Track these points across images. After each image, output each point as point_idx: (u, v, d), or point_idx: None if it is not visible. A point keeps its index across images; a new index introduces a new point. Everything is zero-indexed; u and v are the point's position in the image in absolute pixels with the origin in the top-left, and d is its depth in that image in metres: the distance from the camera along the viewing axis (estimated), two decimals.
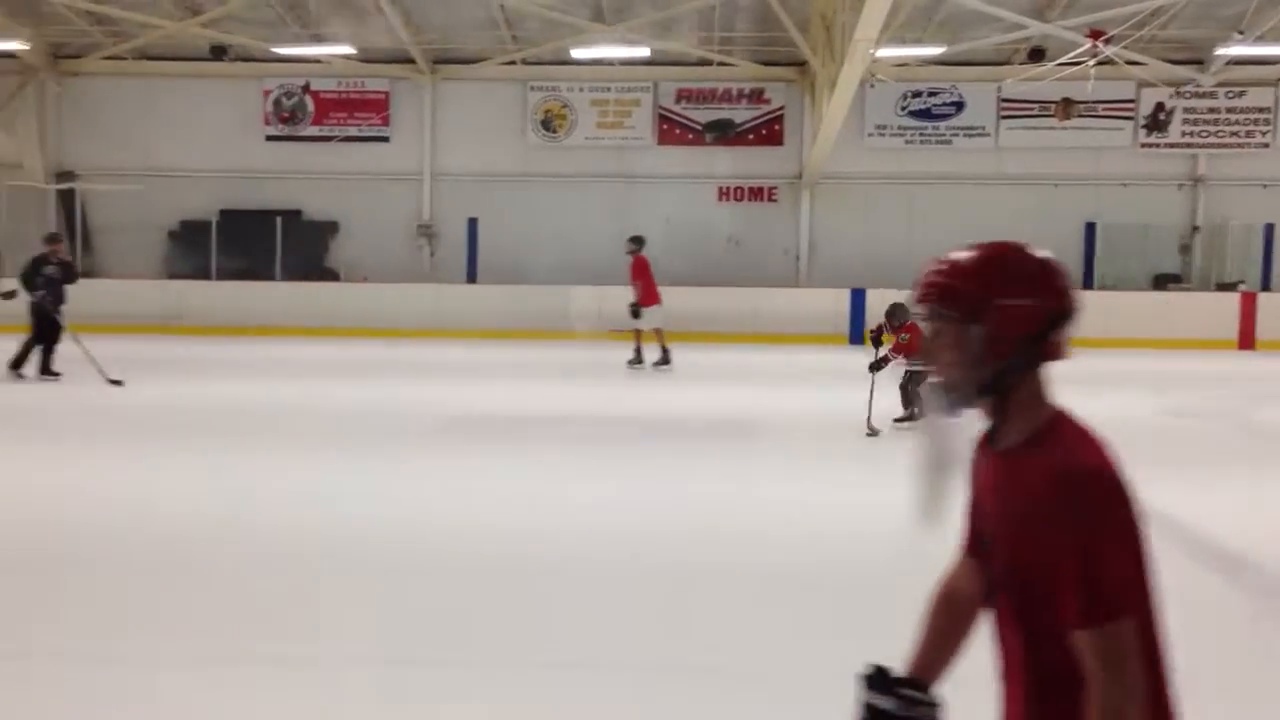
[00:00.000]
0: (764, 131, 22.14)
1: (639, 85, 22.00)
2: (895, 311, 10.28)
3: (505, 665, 4.57)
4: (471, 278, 21.84)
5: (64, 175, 21.85)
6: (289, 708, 4.17)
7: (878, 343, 10.02)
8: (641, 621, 5.12)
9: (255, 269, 21.14)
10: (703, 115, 22.15)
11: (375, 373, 15.01)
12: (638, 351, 15.08)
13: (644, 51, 19.75)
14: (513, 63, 21.74)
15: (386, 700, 4.21)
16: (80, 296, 13.70)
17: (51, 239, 13.97)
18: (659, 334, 15.06)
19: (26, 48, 20.30)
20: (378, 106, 22.26)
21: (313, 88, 22.18)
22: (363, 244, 21.91)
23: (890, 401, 10.05)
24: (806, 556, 6.17)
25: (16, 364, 13.06)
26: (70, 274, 13.40)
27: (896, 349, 10.00)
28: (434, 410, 11.36)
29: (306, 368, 15.27)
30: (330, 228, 22.16)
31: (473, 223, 21.94)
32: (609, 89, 22.07)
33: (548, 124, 22.25)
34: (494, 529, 6.73)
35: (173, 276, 21.46)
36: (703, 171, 22.12)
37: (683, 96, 22.11)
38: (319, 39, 20.28)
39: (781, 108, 22.04)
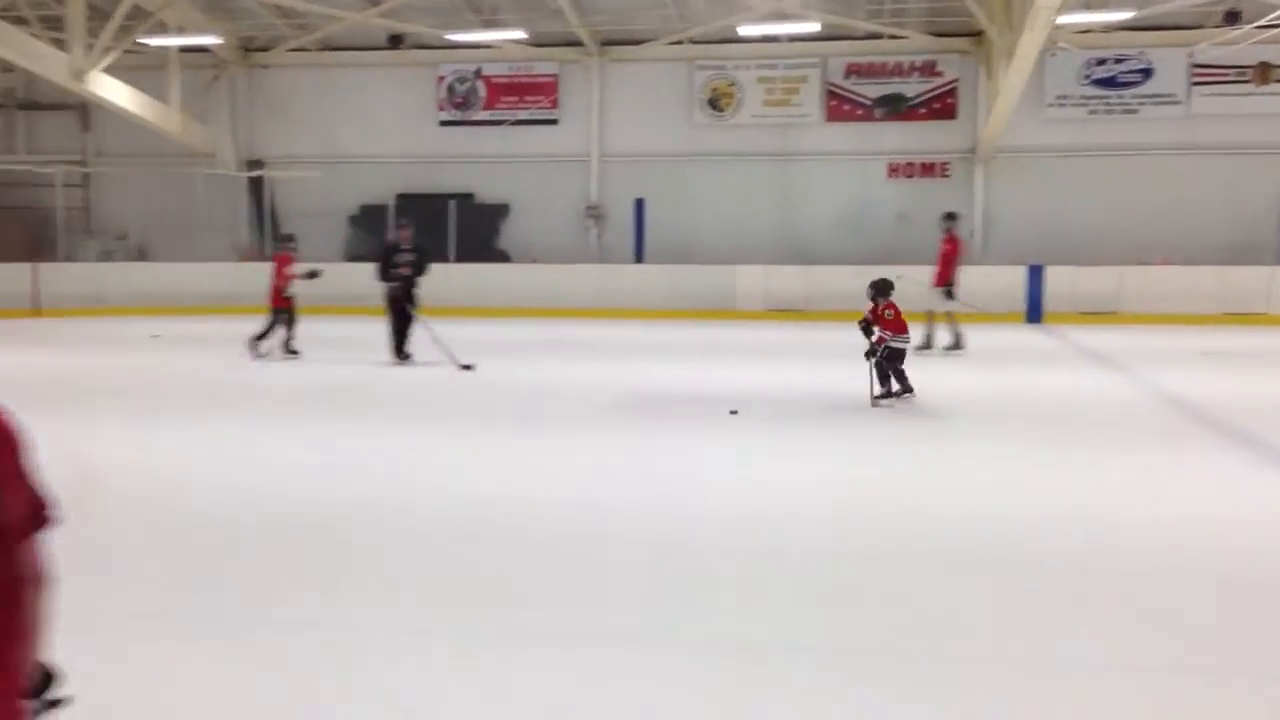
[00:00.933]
0: (936, 105, 21.57)
1: (807, 61, 21.71)
2: (882, 288, 10.40)
3: (729, 650, 4.57)
4: (639, 258, 21.99)
5: (254, 163, 22.92)
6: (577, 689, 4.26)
7: (868, 332, 10.19)
8: (838, 603, 5.04)
9: (432, 251, 21.72)
10: (872, 90, 21.72)
11: (546, 352, 15.27)
12: (957, 336, 14.52)
13: (814, 26, 19.47)
14: (680, 42, 21.73)
15: (585, 683, 4.26)
16: (265, 279, 14.34)
17: (403, 225, 13.86)
18: (949, 316, 14.58)
19: (220, 42, 21.36)
20: (547, 90, 22.59)
21: (484, 73, 22.67)
22: (532, 226, 22.31)
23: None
24: (976, 540, 5.98)
25: (399, 351, 13.19)
26: (423, 261, 13.27)
27: (884, 326, 10.12)
28: (607, 387, 11.47)
29: (481, 347, 15.63)
30: (501, 210, 22.63)
31: (639, 203, 22.07)
32: (776, 66, 21.85)
33: (714, 103, 22.18)
34: (698, 513, 6.73)
35: (352, 259, 22.26)
36: (871, 148, 21.70)
37: (852, 71, 21.72)
38: (491, 24, 20.68)
39: (955, 80, 21.42)
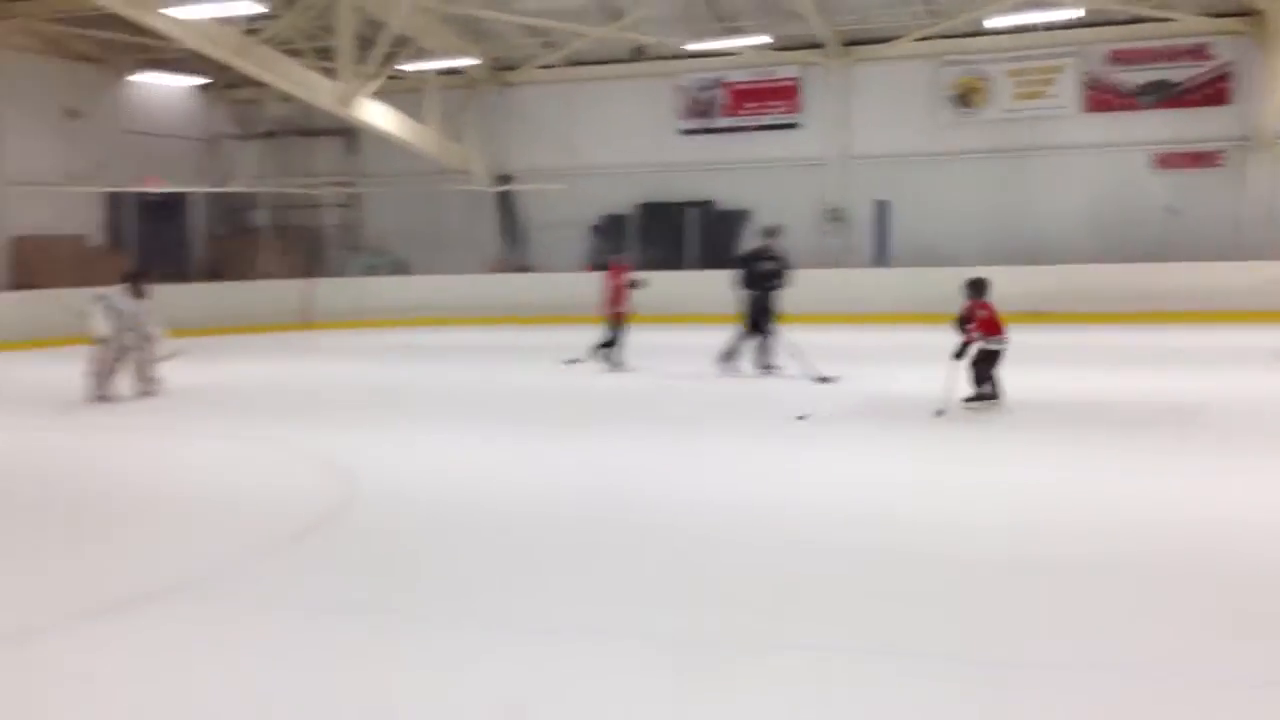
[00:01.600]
0: (1207, 90, 20.03)
1: (1063, 50, 20.63)
2: (971, 287, 10.00)
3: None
4: (882, 260, 21.46)
5: (503, 178, 23.81)
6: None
7: (963, 329, 9.81)
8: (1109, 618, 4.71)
9: (671, 259, 21.94)
10: (1136, 77, 20.40)
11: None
12: None
13: (1077, 12, 18.45)
14: (926, 39, 21.10)
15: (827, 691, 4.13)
16: (518, 288, 14.81)
17: (769, 233, 13.32)
18: None
19: (473, 64, 22.32)
20: (788, 94, 22.41)
21: (725, 80, 22.71)
22: None
23: None
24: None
25: (728, 356, 12.91)
26: (783, 269, 12.61)
27: (976, 326, 9.74)
28: (853, 392, 11.21)
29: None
30: (741, 216, 22.60)
31: (882, 205, 21.54)
32: (1028, 57, 20.87)
33: (961, 99, 21.41)
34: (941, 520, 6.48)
35: (595, 268, 22.76)
36: (1133, 138, 20.38)
37: (1114, 59, 20.48)
38: (732, 32, 20.69)
39: (1228, 63, 19.84)
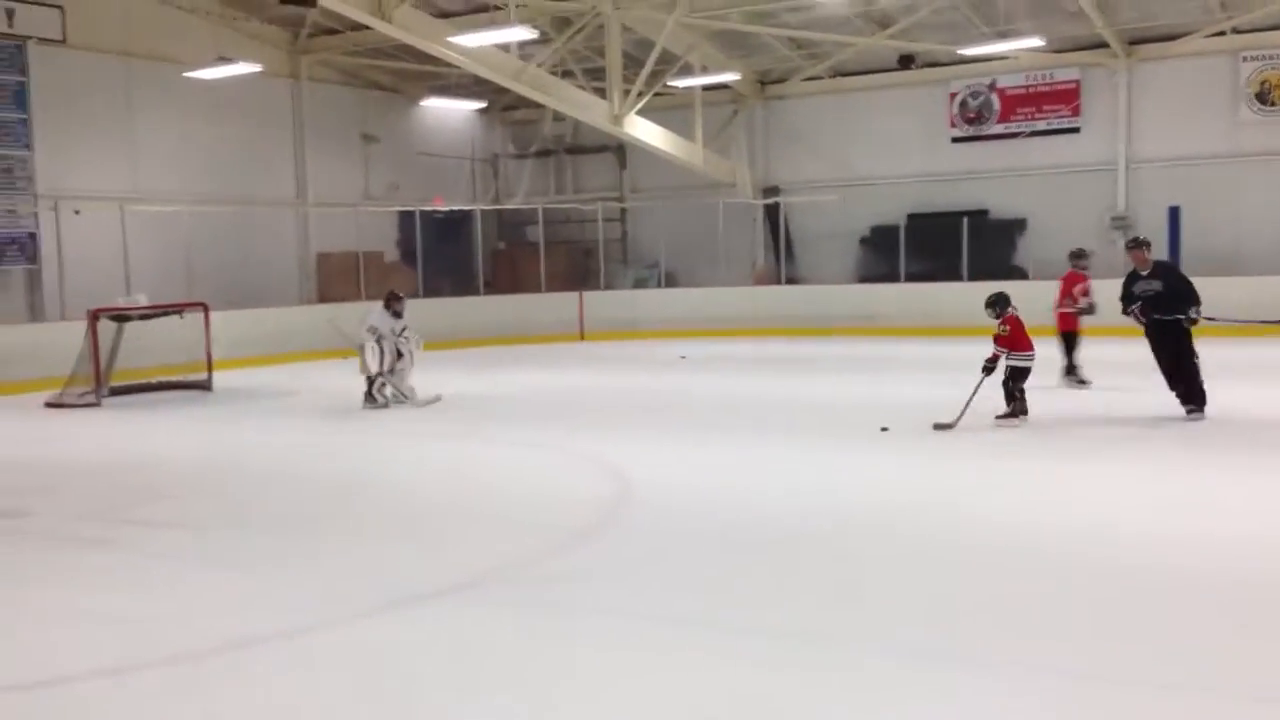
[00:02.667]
0: None
1: None
2: (994, 303, 10.11)
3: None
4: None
5: (770, 190, 23.85)
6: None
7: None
8: None
9: (941, 270, 21.36)
10: None
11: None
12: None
13: None
14: (1221, 33, 19.70)
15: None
16: (785, 300, 14.79)
17: (1136, 244, 11.24)
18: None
19: (738, 78, 22.51)
20: (1067, 97, 21.42)
21: (999, 85, 21.95)
22: (1051, 240, 21.12)
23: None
24: None
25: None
26: (1175, 288, 10.52)
27: (998, 341, 9.92)
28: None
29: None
30: (1017, 225, 21.75)
31: (1174, 211, 20.23)
32: None
33: (1263, 96, 19.86)
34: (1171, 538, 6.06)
35: (863, 280, 22.45)
36: None
37: None
38: (1005, 35, 19.98)
39: None
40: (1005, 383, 10.04)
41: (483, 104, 24.82)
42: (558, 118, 24.56)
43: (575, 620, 5.28)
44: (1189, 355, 10.12)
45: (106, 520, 7.78)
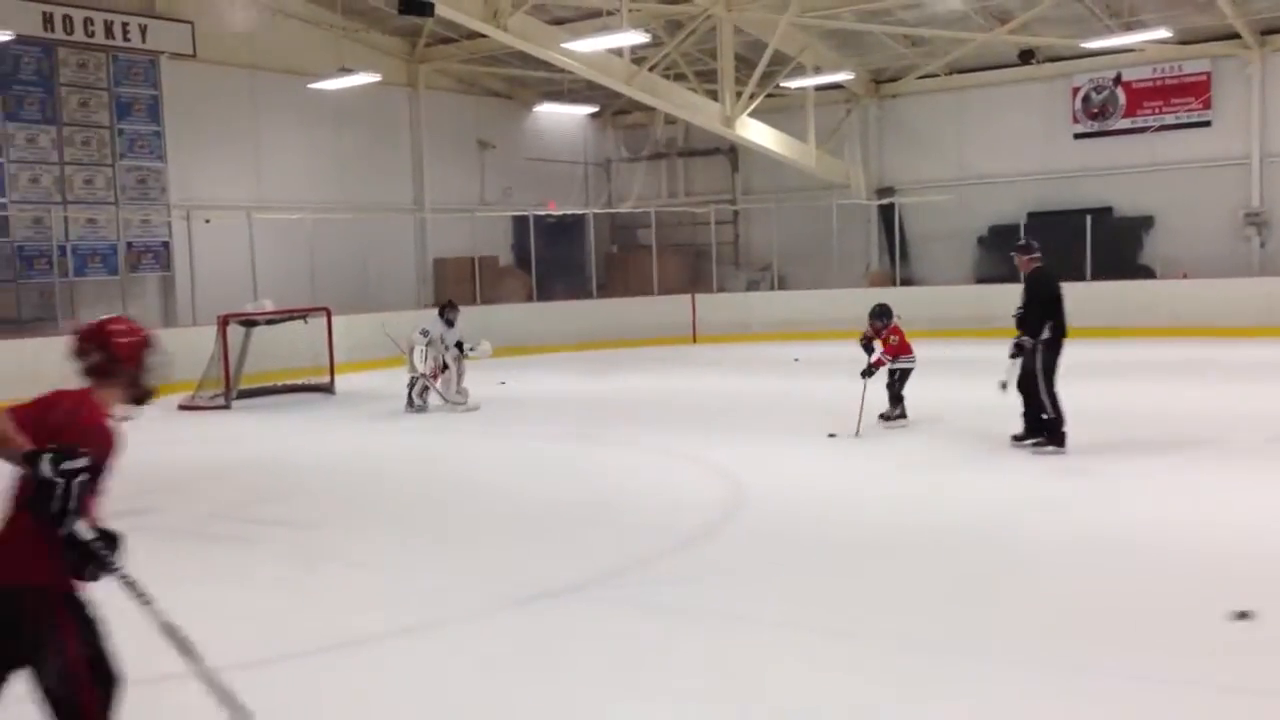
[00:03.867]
0: None
1: None
2: (879, 314, 10.60)
3: None
4: None
5: (884, 191, 23.52)
6: None
7: (869, 349, 10.51)
8: None
9: (1064, 269, 20.74)
10: None
11: (1197, 375, 13.94)
12: None
13: None
14: None
15: None
16: (900, 302, 14.46)
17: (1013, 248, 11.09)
18: None
19: (852, 77, 22.24)
20: (1197, 90, 20.66)
21: (1124, 78, 21.28)
22: (1180, 238, 20.47)
23: None
24: None
25: None
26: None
27: (887, 350, 10.47)
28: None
29: (1123, 369, 14.68)
30: (1143, 223, 21.05)
31: None
32: None
33: None
34: None
35: (981, 281, 21.96)
36: None
37: None
38: (1131, 27, 19.36)
39: None
40: (891, 385, 10.63)
41: (595, 108, 25.00)
42: (669, 121, 24.60)
43: (686, 623, 5.28)
44: (1031, 378, 9.10)
45: (235, 518, 8.05)
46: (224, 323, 14.46)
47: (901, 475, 8.55)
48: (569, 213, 23.69)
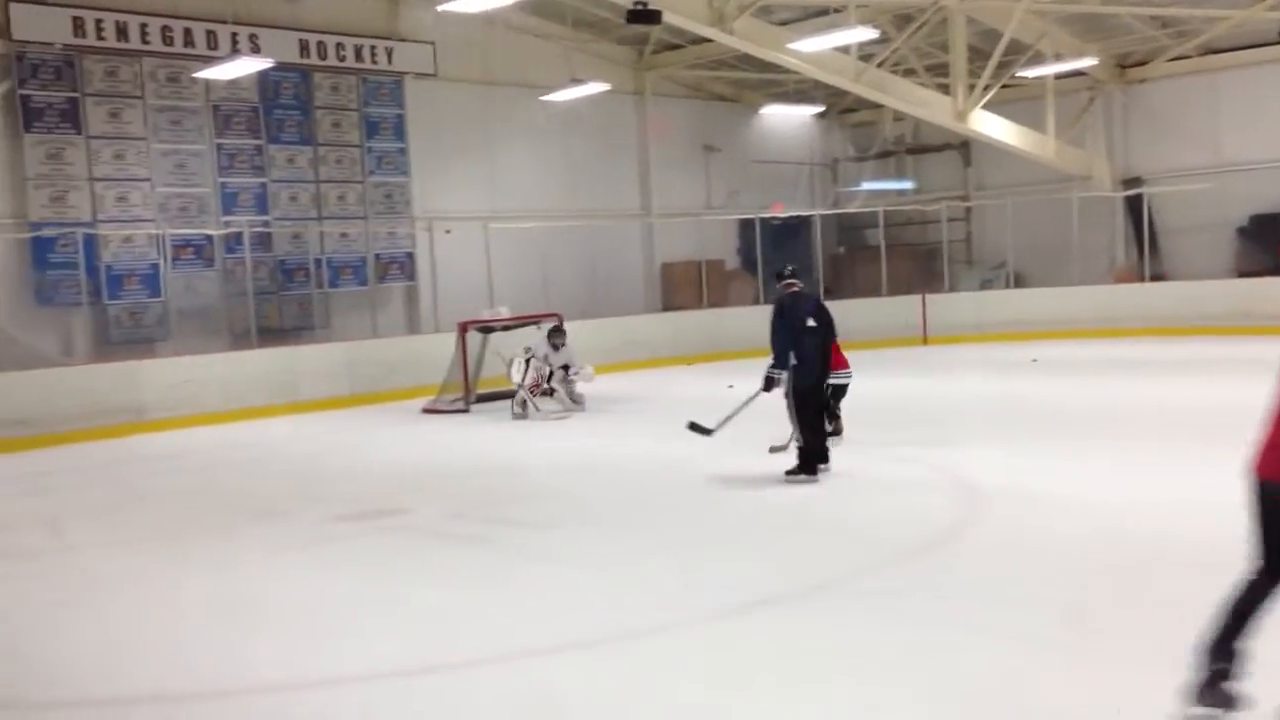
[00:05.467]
0: None
1: None
2: None
3: None
4: None
5: (1130, 181, 22.25)
6: None
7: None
8: None
9: None
10: None
11: None
12: None
13: None
14: None
15: None
16: (1150, 299, 13.75)
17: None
18: None
19: (1094, 63, 21.15)
20: None
21: None
22: None
23: None
24: None
25: None
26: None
27: None
28: None
29: None
30: None
31: None
32: None
33: None
34: None
35: (1241, 274, 20.46)
36: None
37: None
38: None
39: None
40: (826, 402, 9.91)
41: (821, 108, 24.73)
42: (898, 117, 24.07)
43: (918, 632, 5.14)
44: (792, 410, 8.84)
45: (475, 519, 8.38)
46: (463, 329, 15.09)
47: (1162, 483, 8.04)
48: (795, 214, 23.52)
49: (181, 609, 6.37)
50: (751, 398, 9.30)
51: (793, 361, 8.78)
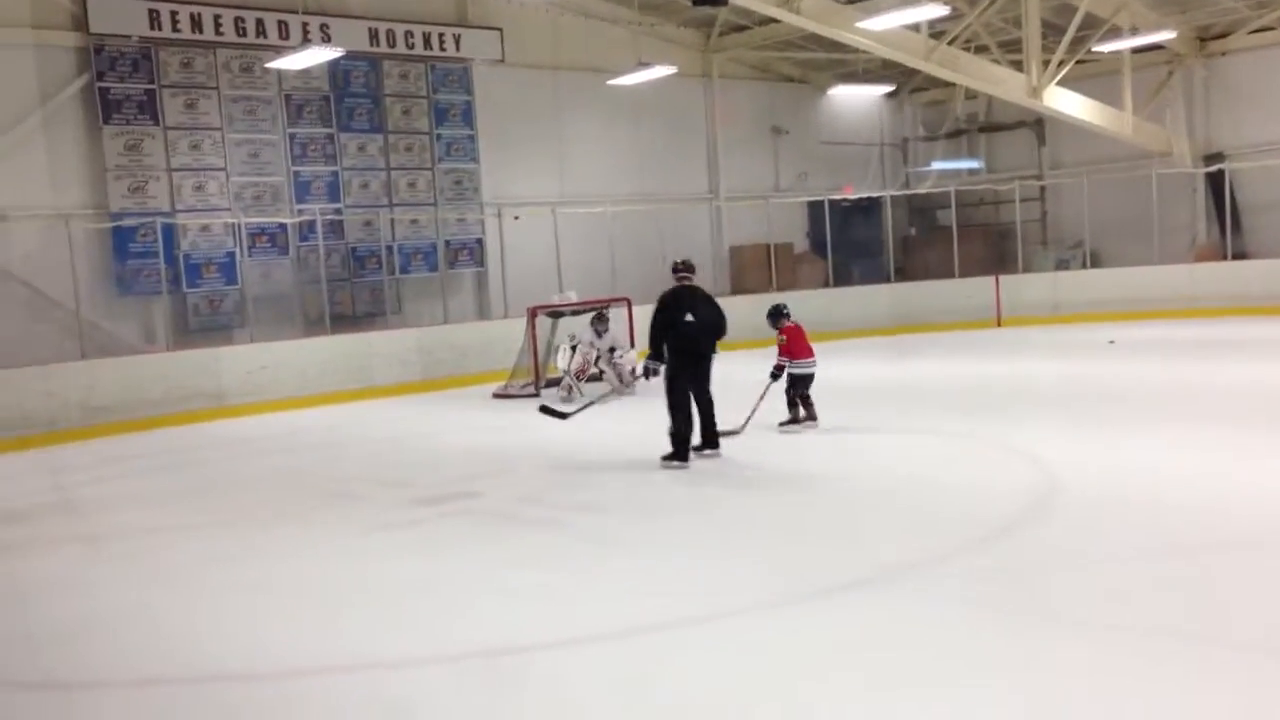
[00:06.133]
0: None
1: None
2: (770, 314, 10.57)
3: None
4: None
5: (1212, 158, 21.67)
6: None
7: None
8: None
9: None
10: None
11: None
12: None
13: None
14: None
15: None
16: (1234, 277, 13.40)
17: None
18: None
19: (1174, 36, 20.59)
20: None
21: None
22: None
23: None
24: None
25: None
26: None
27: (780, 351, 10.31)
28: None
29: None
30: None
31: None
32: None
33: None
34: None
35: None
36: None
37: None
38: None
39: None
40: (787, 390, 10.38)
41: (891, 87, 24.40)
42: (970, 96, 23.70)
43: (998, 618, 5.07)
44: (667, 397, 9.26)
45: (546, 503, 8.41)
46: (533, 314, 15.15)
47: (1241, 467, 7.84)
48: (865, 195, 23.27)
49: (266, 590, 6.48)
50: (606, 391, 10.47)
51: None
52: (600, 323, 14.54)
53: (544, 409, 10.72)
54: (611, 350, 14.36)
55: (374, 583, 6.46)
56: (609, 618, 5.49)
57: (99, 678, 5.21)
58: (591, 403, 11.15)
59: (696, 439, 9.31)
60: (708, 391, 9.38)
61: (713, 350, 9.36)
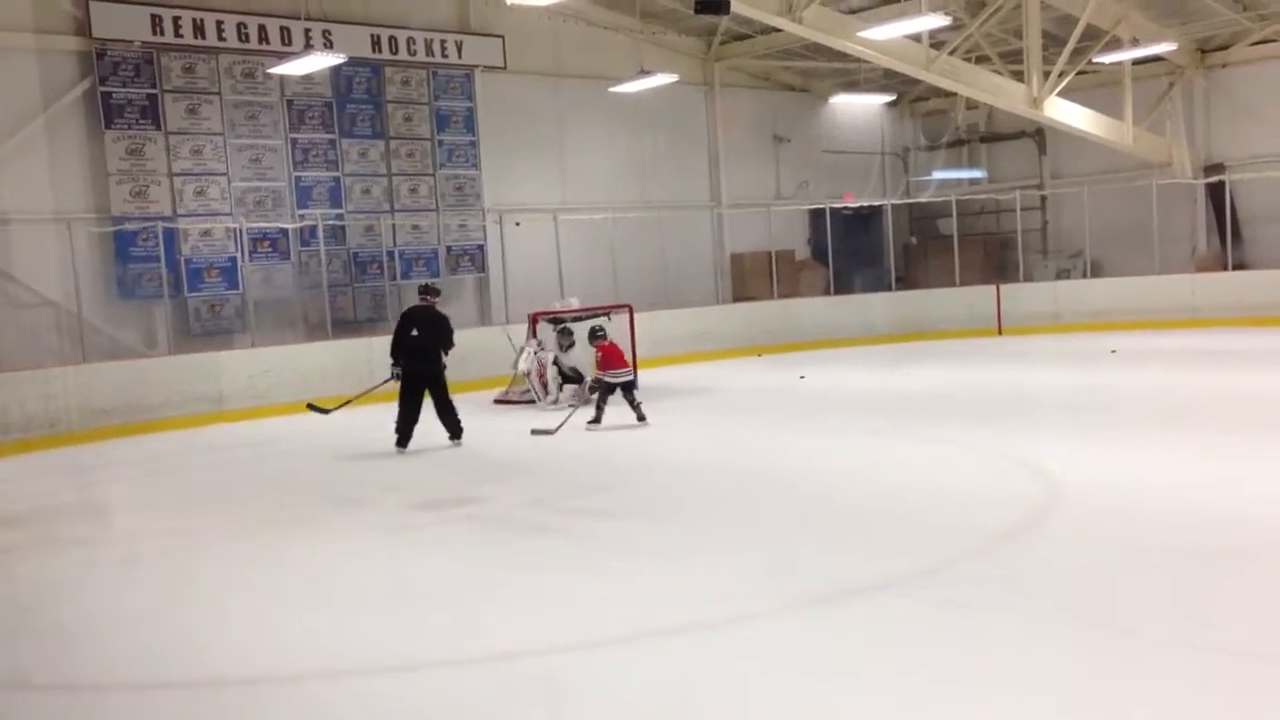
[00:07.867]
0: None
1: None
2: (590, 336, 12.44)
3: None
4: None
5: (1212, 169, 21.72)
6: None
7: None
8: None
9: None
10: None
11: None
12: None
13: None
14: None
15: None
16: (1233, 288, 13.42)
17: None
18: None
19: (1174, 48, 20.64)
20: None
21: None
22: None
23: None
24: None
25: None
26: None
27: (596, 366, 12.17)
28: None
29: None
30: None
31: None
32: None
33: None
34: None
35: None
36: None
37: None
38: None
39: None
40: (597, 394, 12.03)
41: (892, 97, 24.44)
42: (971, 106, 23.73)
43: (992, 625, 5.07)
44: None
45: (549, 509, 8.40)
46: (534, 320, 15.14)
47: (1244, 476, 7.85)
48: (866, 204, 23.29)
49: (274, 593, 6.47)
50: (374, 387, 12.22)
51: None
52: (565, 336, 14.59)
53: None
54: (572, 376, 14.37)
55: (382, 586, 6.46)
56: (611, 624, 5.48)
57: (100, 681, 5.20)
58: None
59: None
60: (442, 395, 11.46)
61: (435, 361, 11.38)
